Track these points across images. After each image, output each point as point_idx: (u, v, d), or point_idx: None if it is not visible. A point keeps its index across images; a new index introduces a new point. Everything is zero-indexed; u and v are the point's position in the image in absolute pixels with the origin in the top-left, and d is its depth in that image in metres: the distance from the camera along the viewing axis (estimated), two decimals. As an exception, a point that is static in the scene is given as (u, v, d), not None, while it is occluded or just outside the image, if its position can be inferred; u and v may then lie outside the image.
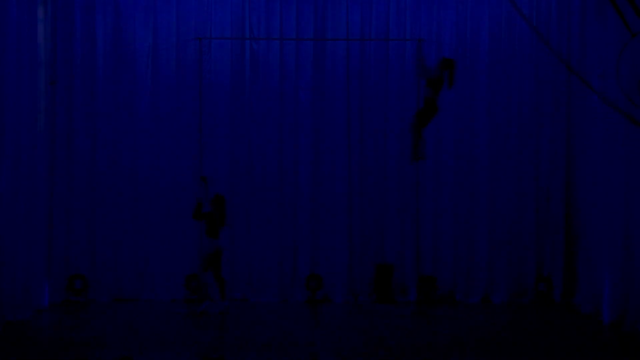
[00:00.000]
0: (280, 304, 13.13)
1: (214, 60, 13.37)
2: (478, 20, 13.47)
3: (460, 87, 13.41)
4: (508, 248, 13.42)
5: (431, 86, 10.69)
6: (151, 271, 13.33)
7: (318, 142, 13.51)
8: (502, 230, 13.42)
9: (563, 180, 13.41)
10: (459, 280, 13.49)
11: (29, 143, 11.90)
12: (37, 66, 12.30)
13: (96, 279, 13.25)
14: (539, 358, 9.56)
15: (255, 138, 13.45)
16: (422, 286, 13.31)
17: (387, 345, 10.19)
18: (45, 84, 12.71)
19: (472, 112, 13.51)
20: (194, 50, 13.19)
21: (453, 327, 11.50)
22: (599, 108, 12.02)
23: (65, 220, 13.23)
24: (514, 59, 13.45)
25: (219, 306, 12.05)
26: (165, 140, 13.36)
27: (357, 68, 13.48)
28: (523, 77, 13.46)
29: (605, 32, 11.66)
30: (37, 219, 12.22)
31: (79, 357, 9.43)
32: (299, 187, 13.47)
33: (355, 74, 13.47)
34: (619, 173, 11.39)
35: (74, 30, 13.25)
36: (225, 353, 9.67)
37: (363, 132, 13.53)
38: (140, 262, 13.36)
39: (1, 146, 11.00)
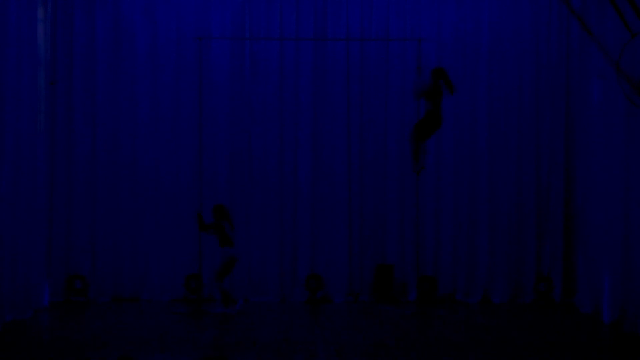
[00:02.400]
0: (280, 304, 13.14)
1: (214, 60, 13.38)
2: (478, 19, 13.47)
3: (460, 87, 13.44)
4: (508, 248, 13.44)
5: (429, 99, 10.69)
6: (151, 271, 13.34)
7: (318, 141, 13.51)
8: (502, 230, 13.43)
9: (563, 180, 13.42)
10: (459, 280, 13.49)
11: (29, 143, 11.90)
12: (37, 66, 12.31)
13: (96, 279, 13.25)
14: (539, 358, 9.56)
15: (255, 138, 13.46)
16: (422, 286, 13.31)
17: (387, 345, 10.18)
18: (45, 84, 12.72)
19: (472, 112, 13.51)
20: (194, 50, 13.18)
21: (453, 327, 11.50)
22: (599, 108, 12.03)
23: (65, 220, 13.24)
24: (513, 58, 13.44)
25: (231, 311, 12.14)
26: (165, 140, 13.37)
27: (357, 68, 13.48)
28: (523, 76, 13.47)
29: (605, 33, 11.66)
30: (37, 219, 12.23)
31: (79, 357, 9.43)
32: (299, 187, 13.48)
33: (355, 73, 13.47)
34: (618, 173, 11.39)
35: (74, 30, 13.26)
36: (226, 353, 9.67)
37: (363, 132, 13.54)
38: (140, 262, 13.36)
39: (1, 146, 11.00)
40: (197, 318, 11.90)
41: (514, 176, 13.46)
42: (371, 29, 13.55)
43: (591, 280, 12.28)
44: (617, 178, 11.44)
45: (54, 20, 13.11)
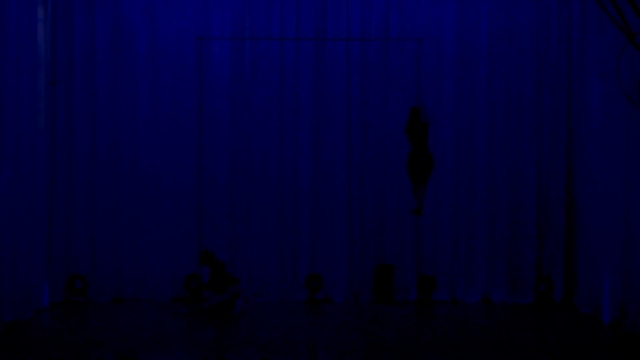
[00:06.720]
0: (280, 304, 13.14)
1: (214, 60, 13.38)
2: (478, 19, 13.46)
3: (460, 87, 13.47)
4: (508, 248, 13.43)
5: (410, 139, 10.89)
6: (151, 271, 13.33)
7: (318, 141, 13.51)
8: (501, 230, 13.42)
9: (563, 180, 13.41)
10: (458, 280, 13.49)
11: (29, 143, 11.90)
12: (37, 66, 12.30)
13: (96, 279, 13.25)
14: (539, 358, 9.57)
15: (255, 138, 13.45)
16: (422, 286, 13.31)
17: (387, 345, 10.19)
18: (45, 84, 12.72)
19: (472, 112, 13.50)
20: (194, 50, 13.19)
21: (453, 327, 11.51)
22: (599, 108, 12.03)
23: (65, 220, 13.23)
24: (513, 58, 13.44)
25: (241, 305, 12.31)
26: (165, 140, 13.35)
27: (357, 67, 13.47)
28: (523, 76, 13.46)
29: (605, 32, 11.66)
30: (37, 219, 12.23)
31: (79, 357, 9.44)
32: (299, 187, 13.47)
33: (355, 73, 13.46)
34: (618, 173, 11.40)
35: (74, 30, 13.24)
36: (226, 353, 9.68)
37: (363, 132, 13.53)
38: (140, 262, 13.35)
39: (1, 146, 11.01)
40: (197, 318, 11.90)
41: (514, 175, 13.45)
42: (371, 28, 13.54)
43: (591, 280, 12.28)
44: (617, 178, 11.44)
45: (54, 20, 13.10)
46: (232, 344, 10.15)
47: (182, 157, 13.35)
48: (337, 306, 13.02)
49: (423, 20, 13.44)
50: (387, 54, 13.50)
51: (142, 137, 13.34)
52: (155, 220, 13.31)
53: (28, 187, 11.87)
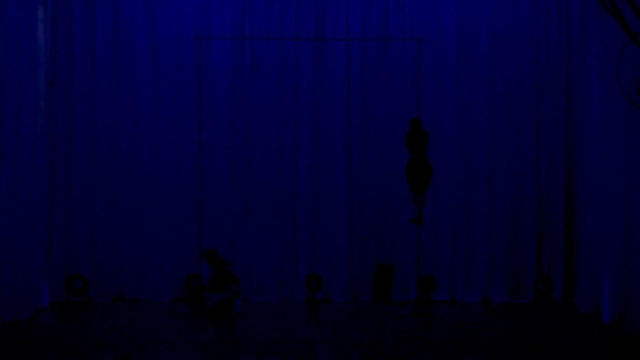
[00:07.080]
0: (280, 304, 13.14)
1: (214, 60, 13.39)
2: (478, 19, 13.46)
3: (460, 87, 13.47)
4: (508, 248, 13.43)
5: (410, 148, 10.93)
6: (151, 271, 13.33)
7: (318, 141, 13.51)
8: (501, 230, 13.42)
9: (563, 180, 13.42)
10: (458, 280, 13.49)
11: (29, 143, 11.91)
12: (37, 66, 12.31)
13: (96, 279, 13.26)
14: (539, 358, 9.57)
15: (255, 138, 13.46)
16: (422, 286, 13.32)
17: (387, 345, 10.19)
18: (45, 84, 12.72)
19: (472, 111, 13.50)
20: (194, 50, 13.19)
21: (453, 327, 11.51)
22: (599, 108, 12.04)
23: (65, 220, 13.23)
24: (513, 58, 13.44)
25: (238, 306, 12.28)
26: (165, 140, 13.36)
27: (357, 67, 13.47)
28: (523, 76, 13.46)
29: (605, 32, 11.67)
30: (37, 219, 12.23)
31: (79, 357, 9.45)
32: (299, 187, 13.48)
33: (355, 73, 13.46)
34: (618, 173, 11.40)
35: (74, 30, 13.25)
36: (225, 353, 9.68)
37: (363, 132, 13.53)
38: (140, 262, 13.36)
39: (1, 146, 11.01)
40: (197, 318, 11.90)
41: (514, 175, 13.45)
42: (371, 28, 13.54)
43: (591, 280, 12.28)
44: (617, 178, 11.44)
45: (54, 20, 13.10)
46: (232, 344, 10.15)
47: (182, 156, 13.35)
48: (337, 306, 13.03)
49: (423, 20, 13.45)
50: (387, 54, 13.51)
51: (142, 136, 13.34)
52: (156, 220, 13.32)
53: (28, 187, 11.88)
